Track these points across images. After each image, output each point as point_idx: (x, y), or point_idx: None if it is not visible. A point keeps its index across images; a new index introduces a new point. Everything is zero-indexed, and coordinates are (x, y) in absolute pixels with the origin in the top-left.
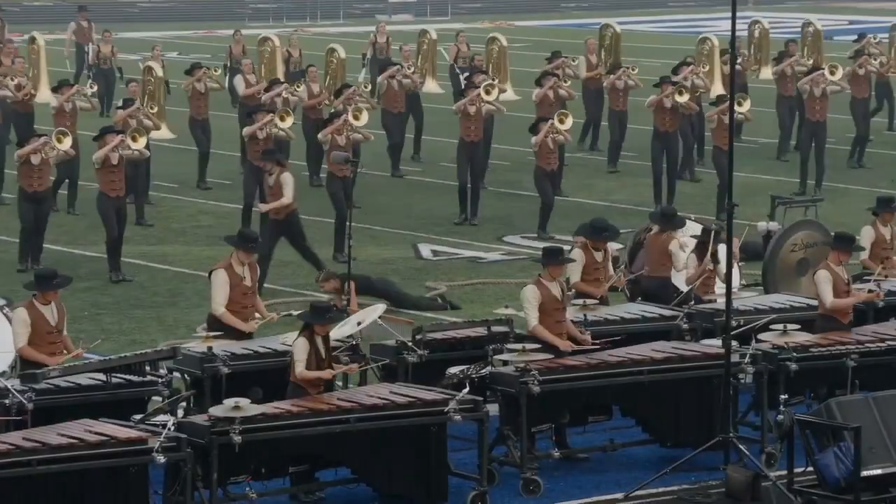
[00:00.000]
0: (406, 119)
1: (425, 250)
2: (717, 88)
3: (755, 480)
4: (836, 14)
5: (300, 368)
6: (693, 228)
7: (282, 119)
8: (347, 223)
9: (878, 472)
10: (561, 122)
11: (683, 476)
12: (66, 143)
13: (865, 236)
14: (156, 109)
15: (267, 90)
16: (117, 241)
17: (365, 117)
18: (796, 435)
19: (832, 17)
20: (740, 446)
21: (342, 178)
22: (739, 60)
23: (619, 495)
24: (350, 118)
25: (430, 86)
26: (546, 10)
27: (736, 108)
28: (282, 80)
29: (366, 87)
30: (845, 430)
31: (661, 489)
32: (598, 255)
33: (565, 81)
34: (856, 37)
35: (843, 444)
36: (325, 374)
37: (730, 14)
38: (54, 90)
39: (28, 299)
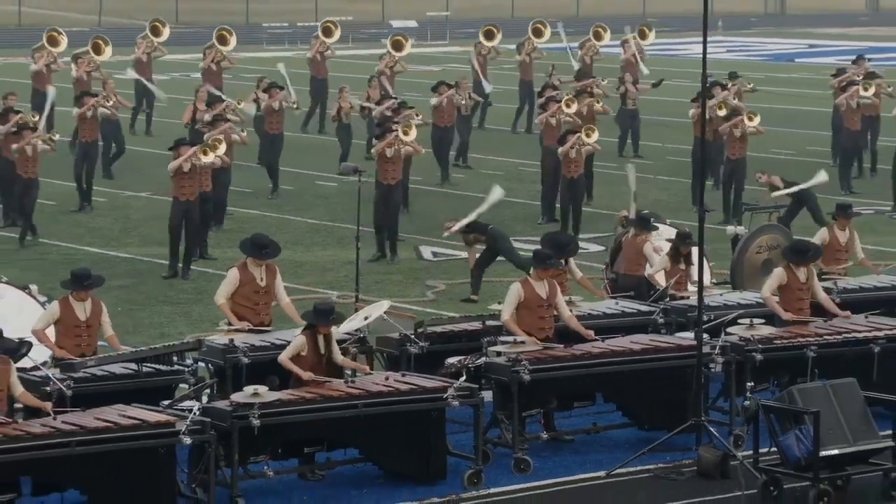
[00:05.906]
0: (452, 132)
1: (426, 252)
2: None
3: (724, 460)
4: (797, 39)
5: (283, 356)
6: (667, 232)
7: (205, 153)
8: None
9: (836, 452)
10: (588, 136)
11: (659, 456)
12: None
13: (818, 238)
14: None
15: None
16: (178, 242)
17: (414, 132)
18: (761, 419)
19: (793, 42)
20: (711, 429)
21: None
22: None
23: (602, 473)
24: (401, 133)
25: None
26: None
27: (748, 122)
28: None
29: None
30: (805, 415)
31: (639, 468)
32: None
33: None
34: (854, 57)
35: (803, 427)
36: (303, 374)
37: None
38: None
39: (66, 294)
